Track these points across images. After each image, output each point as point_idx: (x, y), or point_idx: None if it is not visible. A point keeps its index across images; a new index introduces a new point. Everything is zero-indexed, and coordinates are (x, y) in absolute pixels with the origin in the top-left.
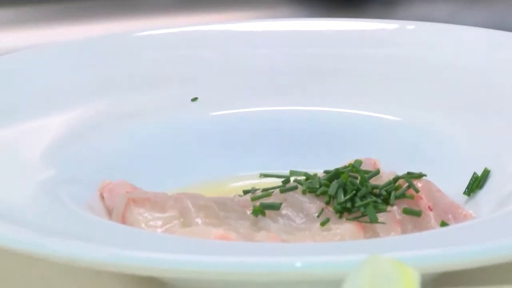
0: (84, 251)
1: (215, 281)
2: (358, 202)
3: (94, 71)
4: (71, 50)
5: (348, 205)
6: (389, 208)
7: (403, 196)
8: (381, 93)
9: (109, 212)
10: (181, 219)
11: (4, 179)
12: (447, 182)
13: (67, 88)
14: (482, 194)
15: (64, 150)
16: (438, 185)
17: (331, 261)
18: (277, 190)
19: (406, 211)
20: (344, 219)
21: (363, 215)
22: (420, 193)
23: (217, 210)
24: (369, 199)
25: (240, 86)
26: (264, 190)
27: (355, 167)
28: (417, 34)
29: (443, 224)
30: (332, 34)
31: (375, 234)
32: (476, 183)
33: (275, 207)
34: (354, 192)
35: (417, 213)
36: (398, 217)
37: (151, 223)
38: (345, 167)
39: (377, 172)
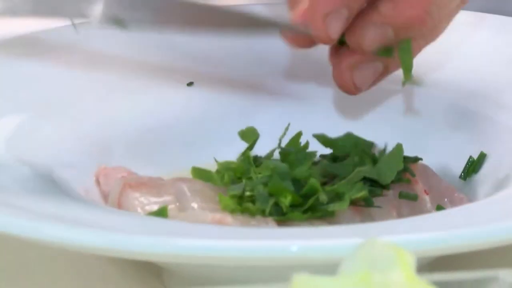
0: (80, 235)
1: (211, 265)
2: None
3: (89, 56)
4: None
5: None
6: (385, 192)
7: (399, 180)
8: None
9: (105, 197)
10: (177, 204)
11: None
12: (443, 166)
13: (64, 73)
14: (478, 178)
15: (59, 135)
16: (434, 169)
17: (327, 245)
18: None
19: (402, 195)
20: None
21: (359, 199)
22: (416, 177)
23: (213, 194)
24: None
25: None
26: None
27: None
28: None
29: (439, 208)
30: None
31: (371, 218)
32: (472, 167)
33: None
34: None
35: (413, 197)
36: (394, 201)
37: (147, 207)
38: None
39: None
